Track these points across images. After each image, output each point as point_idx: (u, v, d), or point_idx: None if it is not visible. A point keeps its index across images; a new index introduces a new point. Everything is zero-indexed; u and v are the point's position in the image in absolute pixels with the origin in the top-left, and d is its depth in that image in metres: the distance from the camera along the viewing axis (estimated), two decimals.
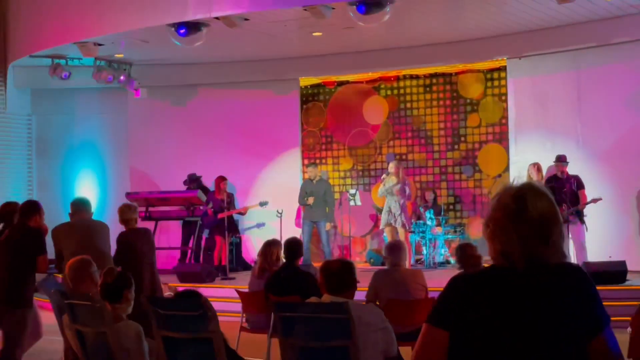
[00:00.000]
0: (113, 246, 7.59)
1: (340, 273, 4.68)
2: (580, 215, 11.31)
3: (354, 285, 4.73)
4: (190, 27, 11.17)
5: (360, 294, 5.56)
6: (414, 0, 10.51)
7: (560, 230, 2.45)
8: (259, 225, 14.59)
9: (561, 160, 11.62)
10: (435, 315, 2.50)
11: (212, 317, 4.39)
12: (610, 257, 11.05)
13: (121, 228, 7.81)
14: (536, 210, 2.41)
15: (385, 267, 7.51)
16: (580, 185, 11.45)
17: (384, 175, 12.83)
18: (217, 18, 10.88)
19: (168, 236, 14.29)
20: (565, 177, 11.51)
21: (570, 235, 11.10)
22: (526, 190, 2.45)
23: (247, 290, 8.10)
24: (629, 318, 5.64)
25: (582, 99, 12.52)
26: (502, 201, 2.46)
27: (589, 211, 11.44)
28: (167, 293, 7.96)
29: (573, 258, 11.28)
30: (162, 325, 4.63)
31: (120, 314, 4.89)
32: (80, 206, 7.50)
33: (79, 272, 5.49)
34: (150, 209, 13.47)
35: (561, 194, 11.25)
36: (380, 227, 13.06)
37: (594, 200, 11.27)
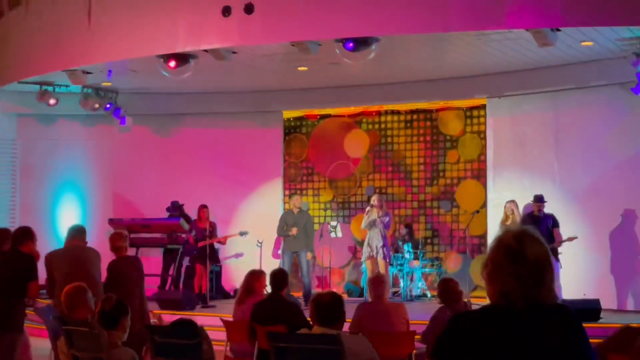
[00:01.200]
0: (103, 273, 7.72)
1: (331, 306, 4.87)
2: (554, 253, 11.56)
3: (343, 317, 4.93)
4: (179, 59, 11.36)
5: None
6: (398, 38, 10.76)
7: (552, 273, 2.65)
8: (239, 254, 14.72)
9: (539, 200, 11.91)
10: (438, 350, 2.66)
11: (208, 345, 4.55)
12: (584, 295, 11.30)
13: (108, 253, 7.92)
14: (533, 254, 2.61)
15: (366, 299, 7.70)
16: (555, 223, 11.73)
17: (368, 208, 12.96)
18: (205, 50, 11.08)
19: (149, 263, 14.34)
20: (542, 215, 11.79)
21: None
22: (524, 235, 2.65)
23: (231, 319, 8.22)
24: None
25: (560, 139, 12.83)
26: (503, 243, 2.64)
27: (564, 249, 11.71)
28: (152, 320, 8.09)
29: None
30: (159, 352, 4.78)
31: (116, 340, 5.04)
32: (75, 233, 7.65)
33: (75, 298, 5.62)
34: (132, 235, 13.55)
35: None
36: (362, 259, 13.20)
37: (570, 239, 11.54)
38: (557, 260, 11.52)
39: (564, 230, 11.85)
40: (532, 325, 2.57)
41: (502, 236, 2.67)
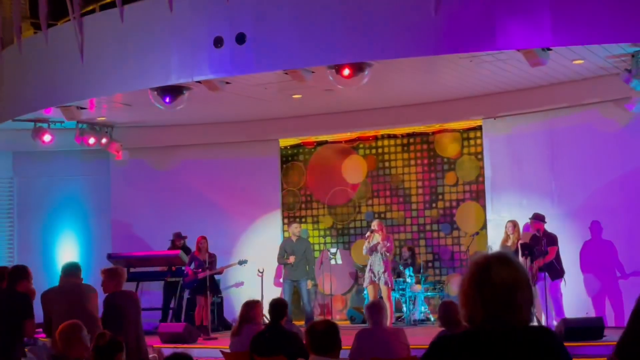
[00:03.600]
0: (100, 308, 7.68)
1: (326, 334, 4.85)
2: (551, 271, 11.50)
3: (339, 345, 4.90)
4: (173, 91, 11.39)
5: (343, 353, 5.70)
6: (391, 63, 10.78)
7: (526, 294, 2.65)
8: (240, 284, 14.66)
9: (536, 218, 11.88)
10: None
11: None
12: (587, 313, 11.25)
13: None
14: (500, 278, 2.62)
15: (367, 326, 7.65)
16: (550, 242, 11.67)
17: (368, 233, 12.92)
18: (199, 82, 11.11)
19: (150, 296, 14.33)
20: (540, 234, 11.76)
21: (547, 293, 11.36)
22: (491, 260, 2.67)
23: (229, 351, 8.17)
24: None
25: (556, 157, 12.83)
26: (469, 270, 2.69)
27: (566, 267, 11.69)
28: (152, 355, 8.05)
29: (552, 314, 11.48)
30: None
31: None
32: (70, 270, 7.61)
33: (70, 336, 5.58)
34: (132, 269, 13.53)
35: (534, 252, 11.53)
36: (364, 285, 13.15)
37: (543, 261, 11.49)
38: (555, 278, 11.48)
39: (566, 249, 11.83)
40: (505, 349, 2.59)
41: (472, 261, 2.72)
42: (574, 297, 11.75)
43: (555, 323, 11.09)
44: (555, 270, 11.54)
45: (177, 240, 14.39)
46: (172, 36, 11.11)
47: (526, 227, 12.47)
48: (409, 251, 14.21)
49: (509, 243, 12.23)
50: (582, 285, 12.10)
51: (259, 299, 11.65)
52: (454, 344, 2.67)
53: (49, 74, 12.53)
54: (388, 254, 12.64)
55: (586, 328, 10.36)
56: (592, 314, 11.37)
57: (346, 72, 10.33)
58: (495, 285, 2.61)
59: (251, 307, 7.97)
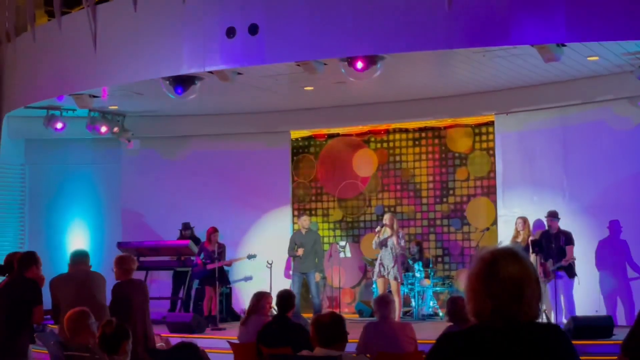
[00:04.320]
0: (108, 296, 7.69)
1: (331, 326, 4.84)
2: (569, 270, 11.46)
3: (344, 338, 4.88)
4: (185, 81, 11.38)
5: (350, 346, 5.69)
6: (404, 56, 10.72)
7: (534, 289, 2.63)
8: (249, 276, 14.66)
9: (550, 215, 11.80)
10: None
11: None
12: (596, 311, 11.20)
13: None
14: (507, 273, 2.60)
15: (374, 320, 7.63)
16: (569, 241, 11.60)
17: (378, 227, 12.80)
18: (210, 72, 11.09)
19: (158, 286, 14.35)
20: (554, 232, 11.68)
21: (562, 290, 11.34)
22: (498, 255, 2.65)
23: (237, 341, 8.18)
24: None
25: (568, 154, 12.76)
26: (476, 265, 2.67)
27: (577, 265, 11.64)
28: (159, 344, 8.05)
29: (563, 312, 11.43)
30: None
31: None
32: (79, 258, 7.63)
33: (77, 323, 5.59)
34: (142, 258, 13.55)
35: (549, 250, 11.46)
36: (373, 278, 13.09)
37: (566, 261, 11.43)
38: (572, 277, 11.43)
39: (576, 247, 11.77)
40: (513, 344, 2.56)
41: (478, 256, 2.70)
42: (584, 295, 11.69)
43: (564, 321, 11.04)
44: (572, 269, 11.48)
45: (185, 231, 14.41)
46: (184, 26, 11.09)
47: (537, 223, 12.42)
48: (416, 246, 14.17)
49: (519, 239, 12.18)
50: (593, 283, 12.03)
51: (268, 290, 11.65)
52: (460, 340, 2.64)
53: (62, 62, 12.54)
54: (397, 248, 12.53)
55: (595, 326, 10.31)
56: (602, 312, 11.30)
57: (359, 64, 10.29)
58: (502, 280, 2.59)
59: (260, 298, 7.98)
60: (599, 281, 12.11)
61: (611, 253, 12.12)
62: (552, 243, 11.58)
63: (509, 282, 2.59)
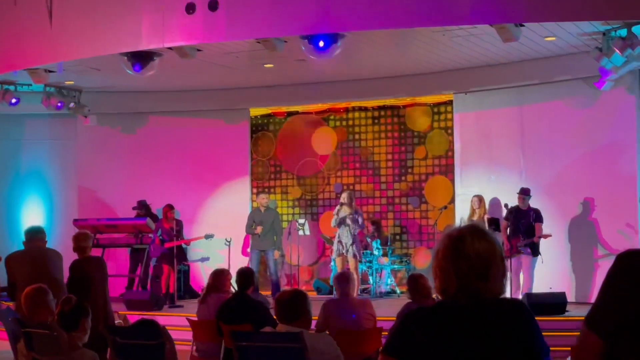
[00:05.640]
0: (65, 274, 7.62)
1: (292, 302, 4.86)
2: (533, 247, 11.59)
3: (306, 313, 4.90)
4: (143, 57, 11.26)
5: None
6: (364, 34, 10.75)
7: (500, 267, 2.66)
8: (207, 254, 14.63)
9: (522, 192, 11.89)
10: (389, 345, 2.75)
11: (170, 346, 4.50)
12: (550, 288, 11.37)
13: (73, 255, 7.83)
14: (473, 250, 2.64)
15: (334, 297, 7.67)
16: (538, 218, 11.71)
17: (338, 206, 12.89)
18: (170, 48, 10.99)
19: (116, 263, 14.24)
20: (525, 209, 11.80)
21: (522, 266, 11.48)
22: (465, 232, 2.69)
23: (196, 318, 8.17)
24: (568, 348, 5.89)
25: (525, 134, 12.90)
26: (443, 242, 2.70)
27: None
28: (117, 321, 8.01)
29: (521, 288, 11.58)
30: (120, 354, 4.72)
31: (76, 342, 4.96)
32: (34, 234, 7.54)
33: (35, 300, 5.53)
34: (98, 235, 13.43)
35: (518, 225, 11.59)
36: (332, 257, 13.15)
37: (544, 236, 11.56)
38: (536, 254, 11.56)
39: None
40: (474, 321, 2.60)
41: (445, 233, 2.72)
42: (538, 272, 11.84)
43: (519, 297, 11.20)
44: (537, 247, 11.62)
45: (140, 210, 14.29)
46: (143, 1, 10.95)
47: (493, 202, 12.56)
48: (373, 225, 14.24)
49: (475, 217, 12.31)
50: (546, 260, 12.16)
51: (227, 267, 11.64)
52: (426, 316, 2.68)
53: (17, 36, 12.31)
54: (353, 227, 12.60)
55: (549, 303, 10.49)
56: (555, 289, 11.47)
57: (320, 43, 10.26)
58: (469, 257, 2.62)
59: (219, 275, 7.98)
60: (560, 259, 12.25)
61: (580, 231, 12.27)
62: (522, 220, 11.69)
63: (475, 259, 2.62)
